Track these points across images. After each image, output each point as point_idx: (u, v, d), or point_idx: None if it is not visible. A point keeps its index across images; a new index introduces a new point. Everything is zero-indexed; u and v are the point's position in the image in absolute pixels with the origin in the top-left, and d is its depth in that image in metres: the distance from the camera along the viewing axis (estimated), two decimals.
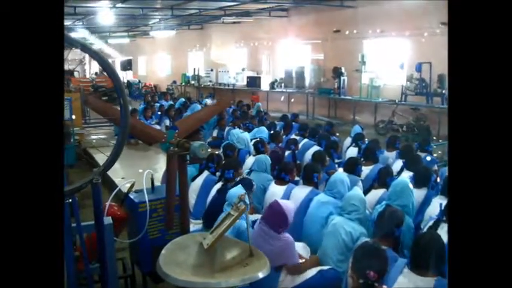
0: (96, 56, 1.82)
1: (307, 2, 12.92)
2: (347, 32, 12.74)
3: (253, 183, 3.80)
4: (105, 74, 23.00)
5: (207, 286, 2.09)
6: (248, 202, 2.53)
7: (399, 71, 10.76)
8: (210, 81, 18.59)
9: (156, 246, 3.22)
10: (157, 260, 3.26)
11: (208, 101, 13.13)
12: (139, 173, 6.54)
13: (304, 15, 14.23)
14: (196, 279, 2.18)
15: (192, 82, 19.61)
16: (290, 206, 3.12)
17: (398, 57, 11.24)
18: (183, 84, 20.48)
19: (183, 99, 13.02)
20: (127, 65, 24.96)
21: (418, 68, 10.01)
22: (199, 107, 11.41)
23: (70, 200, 2.27)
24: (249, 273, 2.24)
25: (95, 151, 8.26)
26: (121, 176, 6.33)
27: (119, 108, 2.09)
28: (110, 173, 5.75)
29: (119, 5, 11.67)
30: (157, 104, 12.03)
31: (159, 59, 25.30)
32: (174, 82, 21.58)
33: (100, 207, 2.12)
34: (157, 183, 4.26)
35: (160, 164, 7.61)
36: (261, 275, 2.24)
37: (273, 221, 2.98)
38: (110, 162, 1.92)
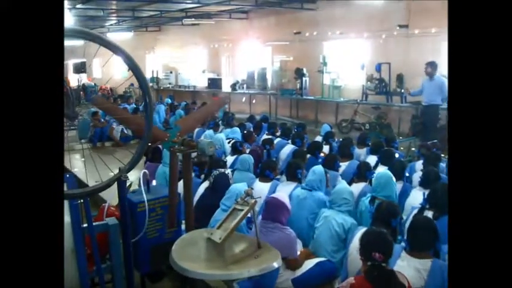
0: (123, 54, 1.87)
1: (267, 4, 13.12)
2: (307, 34, 13.04)
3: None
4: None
5: (229, 277, 2.16)
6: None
7: (359, 72, 11.13)
8: (170, 83, 18.43)
9: (155, 246, 3.26)
10: (155, 259, 3.30)
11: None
12: (110, 176, 6.42)
13: (265, 18, 14.43)
14: (215, 271, 2.25)
15: (151, 84, 19.33)
16: (284, 195, 3.30)
17: (358, 58, 11.62)
18: None
19: None
20: (81, 68, 24.17)
21: (378, 69, 10.39)
22: (163, 107, 11.42)
23: (81, 201, 2.29)
24: (263, 264, 2.33)
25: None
26: (95, 179, 6.21)
27: (128, 108, 2.13)
28: (82, 177, 5.65)
29: (79, 5, 11.39)
30: (120, 107, 11.84)
31: (115, 61, 24.64)
32: (132, 85, 21.15)
33: (126, 204, 2.15)
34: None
35: None
36: (276, 264, 2.34)
37: (276, 215, 3.11)
38: (136, 160, 1.96)
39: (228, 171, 4.32)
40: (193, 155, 2.88)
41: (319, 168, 4.17)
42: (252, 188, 2.64)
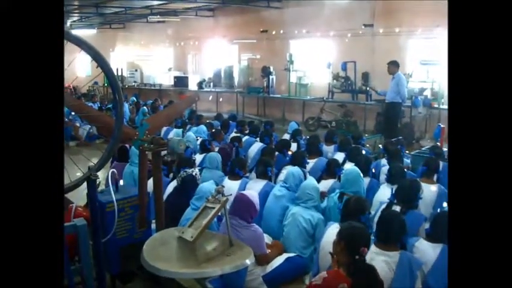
0: (91, 51, 1.82)
1: (233, 2, 13.09)
2: (274, 32, 13.12)
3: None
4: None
5: (202, 275, 2.15)
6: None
7: (326, 70, 11.28)
8: (135, 81, 18.12)
9: (124, 246, 3.20)
10: (125, 260, 3.24)
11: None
12: (77, 177, 6.31)
13: (231, 16, 14.41)
14: (188, 270, 2.24)
15: None
16: (254, 194, 3.31)
17: (324, 56, 11.78)
18: (106, 85, 19.69)
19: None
20: None
21: (344, 67, 10.58)
22: (126, 105, 11.23)
23: None
24: (236, 261, 2.33)
25: None
26: None
27: (93, 107, 2.09)
28: None
29: None
30: None
31: (77, 58, 24.00)
32: (96, 83, 20.65)
33: (97, 204, 2.10)
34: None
35: None
36: (248, 261, 2.35)
37: (242, 212, 3.11)
38: (106, 159, 1.92)
39: (196, 170, 4.28)
40: (163, 153, 2.85)
41: (297, 170, 4.19)
42: (223, 186, 2.63)
